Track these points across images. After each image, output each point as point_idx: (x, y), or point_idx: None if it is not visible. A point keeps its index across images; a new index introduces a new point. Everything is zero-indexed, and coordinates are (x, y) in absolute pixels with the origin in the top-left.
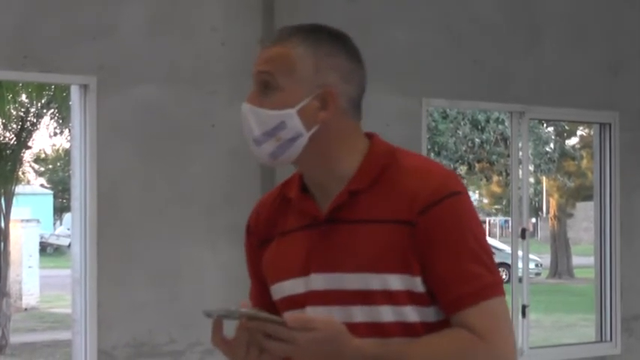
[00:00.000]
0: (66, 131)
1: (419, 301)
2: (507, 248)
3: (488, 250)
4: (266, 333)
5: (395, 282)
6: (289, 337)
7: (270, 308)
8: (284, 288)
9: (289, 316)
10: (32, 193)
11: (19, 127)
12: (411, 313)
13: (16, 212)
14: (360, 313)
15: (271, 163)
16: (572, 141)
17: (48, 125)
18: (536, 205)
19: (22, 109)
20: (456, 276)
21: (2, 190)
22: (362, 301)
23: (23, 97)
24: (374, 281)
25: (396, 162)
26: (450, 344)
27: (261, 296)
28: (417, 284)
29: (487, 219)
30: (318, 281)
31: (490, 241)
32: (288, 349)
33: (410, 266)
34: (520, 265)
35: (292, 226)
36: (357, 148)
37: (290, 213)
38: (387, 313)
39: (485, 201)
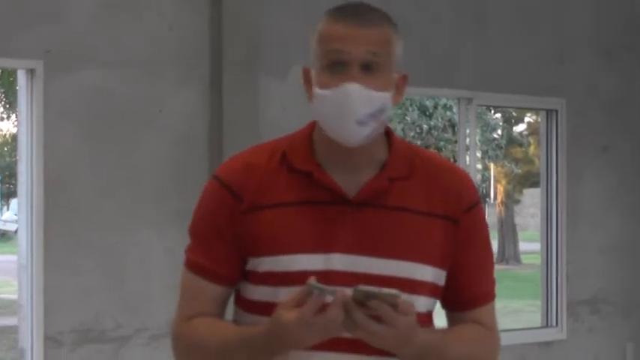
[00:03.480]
0: (13, 116)
1: (435, 293)
2: None
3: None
4: (374, 314)
5: (429, 274)
6: (392, 320)
7: (230, 277)
8: (293, 262)
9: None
10: None
11: None
12: (425, 303)
13: None
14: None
15: (359, 144)
16: (520, 127)
17: None
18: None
19: None
20: (481, 275)
21: None
22: (406, 288)
23: None
24: (417, 270)
25: (418, 155)
26: (475, 337)
27: (223, 262)
28: (442, 278)
29: None
30: (343, 262)
31: None
32: (386, 332)
33: (444, 260)
34: None
35: (303, 199)
36: (383, 136)
37: (296, 185)
38: (418, 303)
39: None
